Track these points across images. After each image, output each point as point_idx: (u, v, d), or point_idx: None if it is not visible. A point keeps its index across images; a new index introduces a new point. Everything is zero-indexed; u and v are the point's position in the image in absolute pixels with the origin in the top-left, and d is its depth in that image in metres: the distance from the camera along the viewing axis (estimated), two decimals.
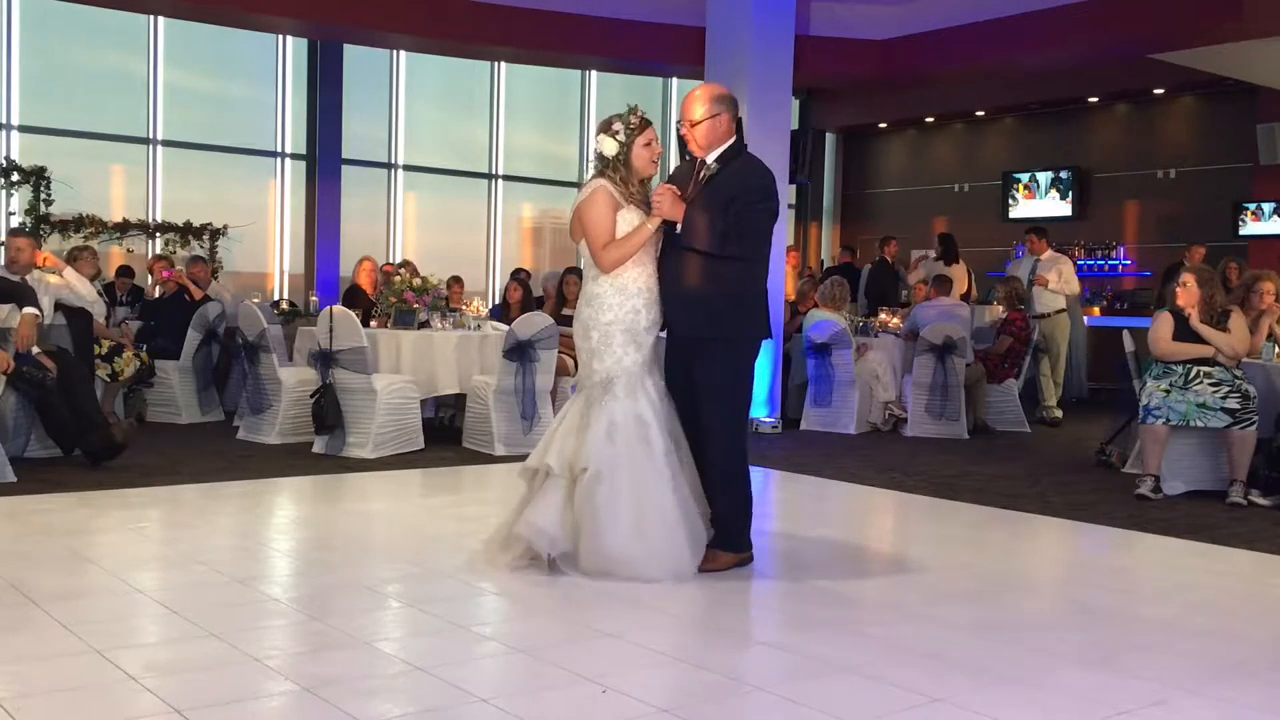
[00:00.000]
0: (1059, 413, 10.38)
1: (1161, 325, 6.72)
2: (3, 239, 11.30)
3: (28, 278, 7.04)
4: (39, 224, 11.17)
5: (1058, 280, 10.69)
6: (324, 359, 7.30)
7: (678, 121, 4.59)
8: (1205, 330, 6.56)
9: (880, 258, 12.77)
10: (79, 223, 11.73)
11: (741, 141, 4.53)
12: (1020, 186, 14.99)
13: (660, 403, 4.42)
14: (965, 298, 11.70)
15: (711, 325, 4.42)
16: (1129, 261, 14.26)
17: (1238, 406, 6.39)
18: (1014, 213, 14.92)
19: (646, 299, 4.41)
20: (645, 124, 4.43)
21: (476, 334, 7.92)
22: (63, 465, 6.52)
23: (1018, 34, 10.64)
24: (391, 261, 11.96)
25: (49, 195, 11.48)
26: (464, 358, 7.70)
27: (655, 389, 4.44)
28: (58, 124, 12.09)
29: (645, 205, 4.42)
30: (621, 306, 4.38)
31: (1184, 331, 6.63)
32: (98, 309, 7.73)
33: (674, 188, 4.41)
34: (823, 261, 15.83)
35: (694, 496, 4.42)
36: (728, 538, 4.47)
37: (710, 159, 4.45)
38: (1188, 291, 6.67)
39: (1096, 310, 13.19)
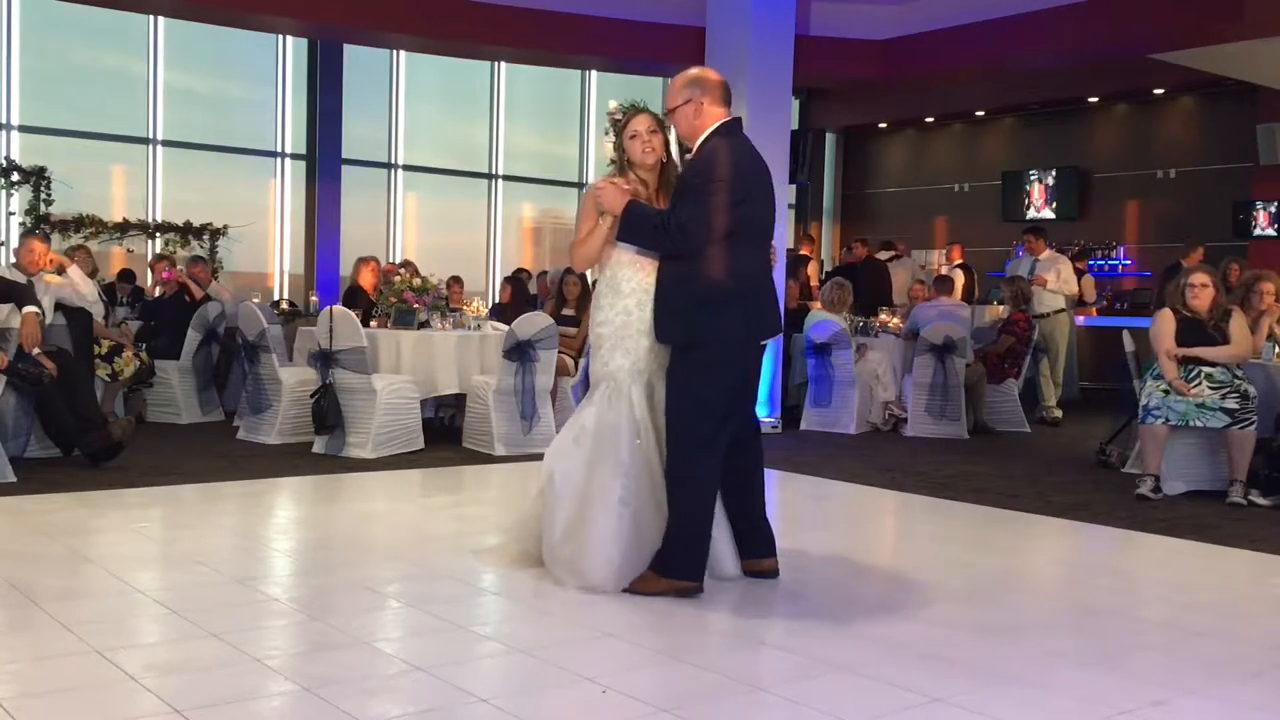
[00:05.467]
0: (1059, 413, 10.38)
1: (1163, 325, 6.69)
2: (3, 239, 11.34)
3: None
4: (39, 223, 11.19)
5: (1056, 280, 10.70)
6: (324, 359, 7.30)
7: (665, 113, 4.36)
8: (1208, 352, 6.51)
9: (865, 257, 12.63)
10: (79, 223, 11.76)
11: (721, 129, 4.16)
12: (1038, 185, 14.87)
13: (652, 414, 4.20)
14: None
15: (673, 328, 4.13)
16: (1129, 261, 14.27)
17: (1237, 406, 6.39)
18: (1030, 214, 14.76)
19: (640, 299, 4.19)
20: (632, 115, 4.28)
21: (476, 334, 7.92)
22: (63, 465, 6.52)
23: (1018, 34, 10.64)
24: (392, 261, 11.98)
25: (49, 195, 11.50)
26: (464, 358, 7.70)
27: (649, 399, 4.21)
28: (58, 124, 12.10)
29: (656, 198, 4.28)
30: (612, 307, 4.23)
31: (1185, 331, 6.61)
32: (97, 309, 7.73)
33: (619, 180, 4.21)
34: (823, 262, 15.83)
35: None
36: (664, 559, 4.08)
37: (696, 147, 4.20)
38: (1207, 292, 6.60)
39: (1096, 310, 13.19)
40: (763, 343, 4.30)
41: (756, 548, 4.36)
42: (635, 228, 4.14)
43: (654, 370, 4.25)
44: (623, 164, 4.32)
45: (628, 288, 4.21)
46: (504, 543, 4.62)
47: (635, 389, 4.20)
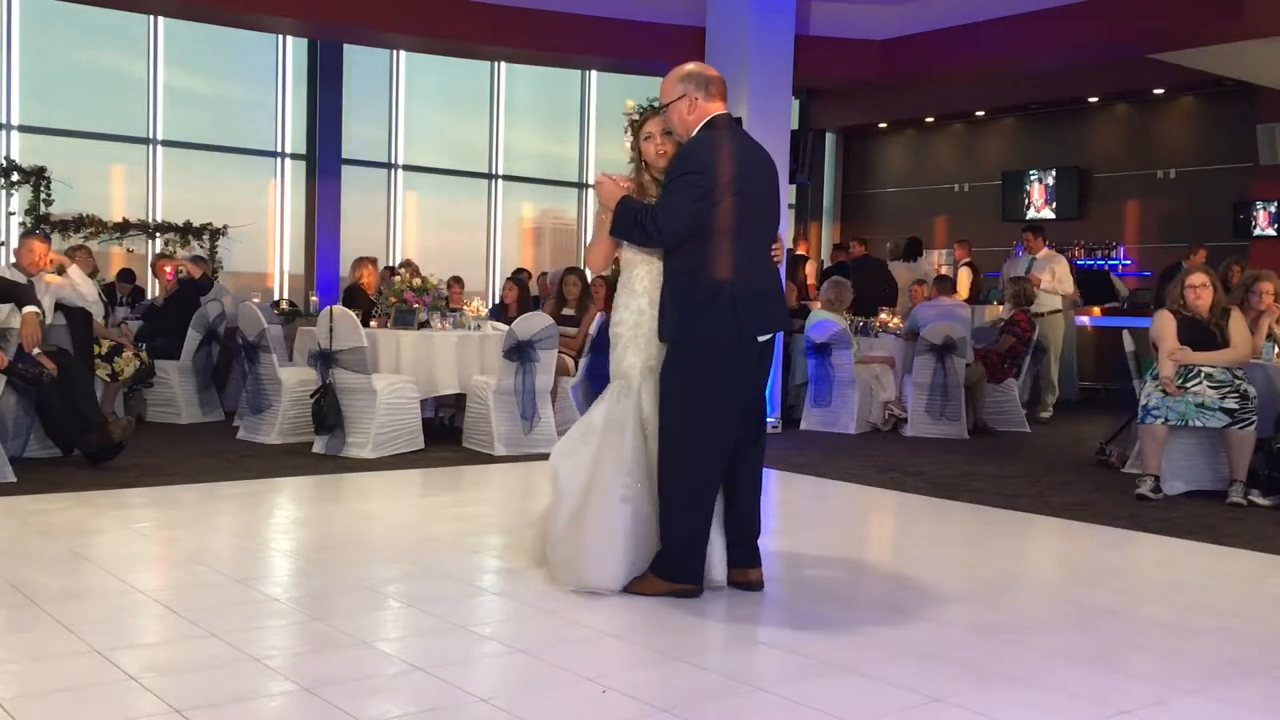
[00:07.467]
0: (1048, 412, 10.41)
1: (1164, 325, 6.68)
2: (3, 239, 11.34)
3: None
4: (39, 223, 11.20)
5: (1051, 280, 10.64)
6: (324, 359, 7.30)
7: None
8: (1208, 356, 6.50)
9: (862, 255, 12.56)
10: (79, 223, 11.76)
11: (712, 123, 4.09)
12: (1038, 185, 14.87)
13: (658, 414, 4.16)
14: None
15: (666, 326, 4.08)
16: (1129, 261, 14.26)
17: (1236, 406, 6.39)
18: (1030, 214, 14.75)
19: (652, 298, 4.15)
20: (648, 116, 4.27)
21: (476, 334, 7.92)
22: (63, 465, 6.52)
23: (1018, 34, 10.64)
24: (391, 265, 11.97)
25: (49, 195, 11.50)
26: (464, 358, 7.70)
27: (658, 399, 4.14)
28: (58, 124, 12.10)
29: None
30: (626, 307, 4.22)
31: (1184, 331, 6.61)
32: (97, 309, 7.73)
33: (618, 177, 4.23)
34: (822, 261, 15.83)
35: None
36: (663, 562, 4.06)
37: None
38: (1206, 292, 6.60)
39: (1097, 310, 13.19)
40: (762, 339, 4.12)
41: (741, 558, 4.22)
42: (624, 222, 4.12)
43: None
44: (639, 164, 4.31)
45: (640, 287, 4.19)
46: (509, 542, 4.63)
47: (646, 387, 4.16)
